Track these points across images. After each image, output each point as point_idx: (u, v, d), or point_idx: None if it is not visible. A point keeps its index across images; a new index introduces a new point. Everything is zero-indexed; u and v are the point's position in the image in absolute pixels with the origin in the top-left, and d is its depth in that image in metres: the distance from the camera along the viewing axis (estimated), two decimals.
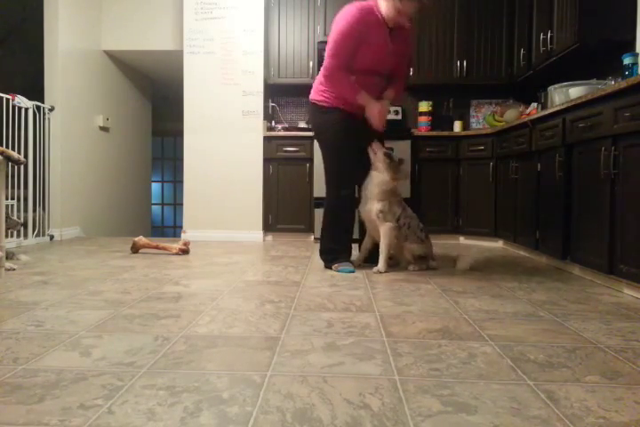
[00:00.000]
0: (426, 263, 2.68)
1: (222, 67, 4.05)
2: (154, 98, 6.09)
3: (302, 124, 4.42)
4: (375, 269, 2.56)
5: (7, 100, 3.51)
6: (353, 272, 2.57)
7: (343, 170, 2.61)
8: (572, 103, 2.45)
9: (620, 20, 2.90)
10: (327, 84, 2.54)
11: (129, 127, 5.25)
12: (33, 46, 4.41)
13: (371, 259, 2.71)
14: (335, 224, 2.68)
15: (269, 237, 4.12)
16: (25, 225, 2.93)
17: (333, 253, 2.67)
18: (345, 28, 2.36)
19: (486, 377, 1.17)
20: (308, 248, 3.58)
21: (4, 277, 2.36)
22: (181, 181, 4.23)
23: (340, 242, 2.68)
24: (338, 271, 2.59)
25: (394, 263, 2.73)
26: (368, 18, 2.38)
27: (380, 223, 2.56)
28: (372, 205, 2.57)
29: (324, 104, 2.58)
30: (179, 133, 4.53)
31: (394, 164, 2.55)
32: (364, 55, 2.42)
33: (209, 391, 1.08)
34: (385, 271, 2.56)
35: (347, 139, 2.56)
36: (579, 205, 2.47)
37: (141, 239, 3.21)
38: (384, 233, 2.55)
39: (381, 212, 2.54)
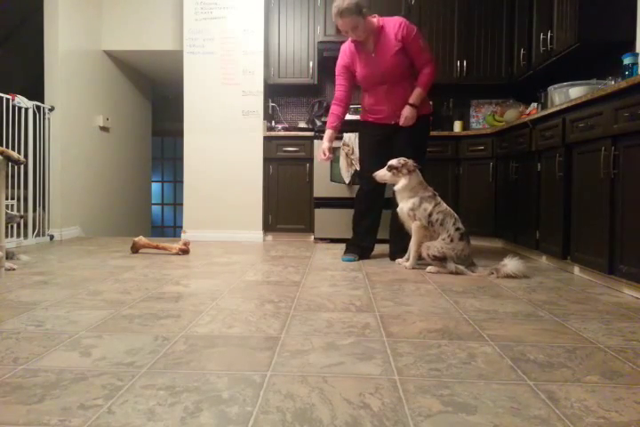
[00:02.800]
0: (444, 266, 2.57)
1: (222, 67, 4.04)
2: (154, 98, 6.09)
3: (302, 124, 4.42)
4: (401, 260, 2.82)
5: (7, 100, 3.51)
6: (351, 261, 2.96)
7: (362, 172, 3.09)
8: (572, 103, 2.45)
9: (619, 20, 2.90)
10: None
11: (129, 127, 5.25)
12: (33, 46, 4.41)
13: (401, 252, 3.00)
14: (353, 220, 3.12)
15: (269, 237, 4.12)
16: (22, 217, 2.97)
17: (349, 244, 3.12)
18: (337, 68, 2.99)
19: (486, 377, 1.17)
20: (308, 248, 3.58)
21: (4, 277, 2.36)
22: (181, 181, 4.23)
23: (353, 236, 3.10)
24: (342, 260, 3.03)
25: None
26: (345, 52, 2.93)
27: (411, 221, 2.71)
28: (403, 205, 2.76)
29: (359, 119, 3.16)
30: (179, 133, 4.53)
31: (394, 171, 2.76)
32: (359, 76, 2.92)
33: (209, 391, 1.08)
34: (412, 268, 2.70)
35: (369, 145, 3.05)
36: (579, 205, 2.47)
37: (141, 239, 3.21)
38: (413, 231, 2.70)
39: (412, 210, 2.70)
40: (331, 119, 3.02)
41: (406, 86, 2.88)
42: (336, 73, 3.01)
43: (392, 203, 2.96)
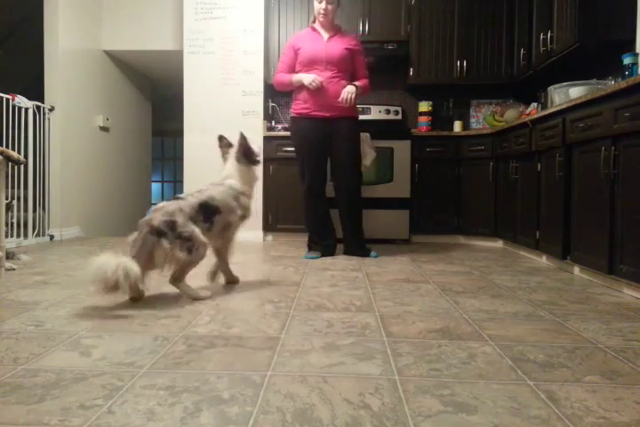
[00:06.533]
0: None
1: (222, 67, 4.04)
2: (154, 98, 6.09)
3: None
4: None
5: (7, 100, 3.51)
6: (314, 258, 3.02)
7: (303, 169, 3.09)
8: (572, 103, 2.45)
9: (619, 20, 2.90)
10: (277, 87, 3.16)
11: (129, 127, 5.25)
12: (33, 46, 4.41)
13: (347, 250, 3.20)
14: (310, 221, 3.17)
15: (269, 237, 4.12)
16: (18, 199, 3.05)
17: (310, 243, 3.19)
18: (284, 49, 3.21)
19: (486, 377, 1.17)
20: None
21: (4, 277, 2.36)
22: (181, 181, 4.23)
23: (314, 236, 3.16)
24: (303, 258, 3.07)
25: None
26: (297, 35, 3.13)
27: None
28: None
29: (292, 115, 3.12)
30: (179, 133, 4.53)
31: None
32: (303, 53, 3.01)
33: (209, 391, 1.08)
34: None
35: (309, 143, 3.03)
36: (579, 205, 2.47)
37: None
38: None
39: None
40: (288, 76, 3.03)
41: (345, 85, 2.98)
42: (283, 52, 3.16)
43: (336, 201, 3.14)
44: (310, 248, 3.17)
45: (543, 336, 1.50)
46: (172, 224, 1.82)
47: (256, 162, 2.26)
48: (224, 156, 2.29)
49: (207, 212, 1.98)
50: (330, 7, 2.98)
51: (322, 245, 3.12)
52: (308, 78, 2.91)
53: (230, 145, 2.26)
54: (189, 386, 1.10)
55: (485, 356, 1.32)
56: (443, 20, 4.14)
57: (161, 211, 1.85)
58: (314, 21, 3.11)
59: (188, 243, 1.84)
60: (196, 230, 1.89)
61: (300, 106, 3.04)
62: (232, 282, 2.26)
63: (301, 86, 3.00)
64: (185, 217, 1.87)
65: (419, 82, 4.20)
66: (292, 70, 3.07)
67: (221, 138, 2.30)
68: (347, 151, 3.05)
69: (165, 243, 1.79)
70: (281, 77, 3.06)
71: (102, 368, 1.20)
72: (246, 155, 2.22)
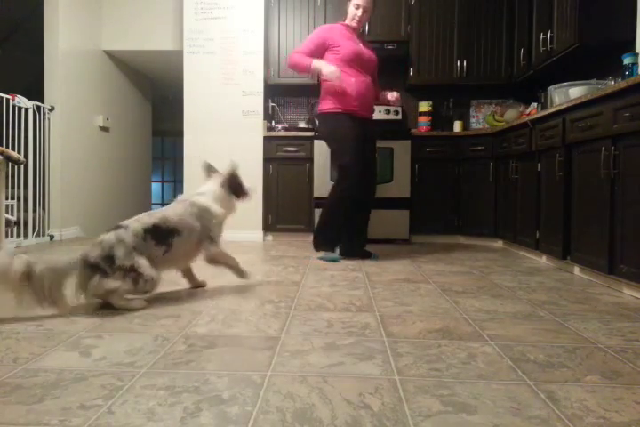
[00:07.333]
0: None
1: (222, 67, 4.04)
2: (154, 98, 6.09)
3: (302, 124, 4.42)
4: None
5: (7, 100, 3.51)
6: (336, 261, 2.95)
7: (353, 164, 2.93)
8: (572, 103, 2.45)
9: (619, 20, 2.90)
10: (290, 66, 2.98)
11: (129, 127, 5.25)
12: (33, 46, 4.41)
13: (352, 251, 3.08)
14: (338, 219, 3.02)
15: (269, 237, 4.12)
16: (18, 223, 3.02)
17: (327, 243, 3.08)
18: (312, 35, 3.05)
19: (486, 377, 1.17)
20: (309, 248, 3.58)
21: None
22: (181, 181, 4.23)
23: (339, 235, 3.05)
24: (319, 258, 3.01)
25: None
26: (332, 29, 3.01)
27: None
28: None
29: (337, 110, 2.96)
30: (179, 133, 4.53)
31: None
32: (347, 49, 2.92)
33: (209, 391, 1.08)
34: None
35: (356, 139, 2.92)
36: (579, 205, 2.47)
37: None
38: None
39: None
40: (307, 58, 2.87)
41: (369, 81, 3.06)
42: (311, 38, 2.97)
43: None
44: (320, 248, 3.06)
45: (543, 336, 1.50)
46: (109, 259, 1.69)
47: (243, 196, 2.18)
48: (209, 175, 2.18)
49: (160, 235, 1.82)
50: (365, 15, 3.01)
51: (342, 244, 3.05)
52: (328, 68, 2.77)
53: (216, 172, 2.19)
54: (189, 386, 1.10)
55: (485, 356, 1.32)
56: (443, 19, 4.14)
57: (98, 246, 1.72)
58: (344, 20, 3.06)
59: (132, 273, 1.71)
60: (142, 262, 1.73)
61: (349, 103, 2.92)
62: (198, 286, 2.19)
63: (350, 80, 2.89)
64: (126, 248, 1.72)
65: (419, 82, 4.20)
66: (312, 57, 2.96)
67: (209, 167, 2.20)
68: (374, 151, 3.10)
69: (98, 278, 1.67)
70: (301, 59, 2.87)
71: (102, 368, 1.20)
72: (233, 189, 2.15)
